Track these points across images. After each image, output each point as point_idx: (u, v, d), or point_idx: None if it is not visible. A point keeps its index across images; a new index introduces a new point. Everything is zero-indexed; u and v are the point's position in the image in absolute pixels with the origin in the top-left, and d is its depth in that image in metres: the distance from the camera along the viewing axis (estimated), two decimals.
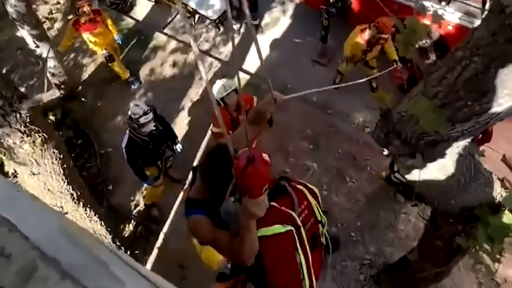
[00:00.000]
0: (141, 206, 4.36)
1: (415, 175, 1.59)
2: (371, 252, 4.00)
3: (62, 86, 5.20)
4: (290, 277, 1.45)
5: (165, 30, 6.17)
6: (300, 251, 1.45)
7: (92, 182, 4.49)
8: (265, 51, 5.85)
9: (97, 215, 3.42)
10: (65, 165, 3.03)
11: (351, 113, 5.20)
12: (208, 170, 1.44)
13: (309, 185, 1.66)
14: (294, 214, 1.47)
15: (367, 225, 4.17)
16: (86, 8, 4.61)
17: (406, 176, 1.77)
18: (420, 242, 2.86)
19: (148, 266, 3.96)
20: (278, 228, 1.40)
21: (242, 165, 1.11)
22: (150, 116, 3.40)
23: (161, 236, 4.11)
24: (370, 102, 5.12)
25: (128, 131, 3.55)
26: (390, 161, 4.03)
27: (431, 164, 1.58)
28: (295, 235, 1.44)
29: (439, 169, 1.62)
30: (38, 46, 4.48)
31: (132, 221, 4.22)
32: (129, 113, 3.41)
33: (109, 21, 5.00)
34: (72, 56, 5.81)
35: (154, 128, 3.51)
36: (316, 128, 5.05)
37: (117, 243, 3.64)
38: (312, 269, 1.49)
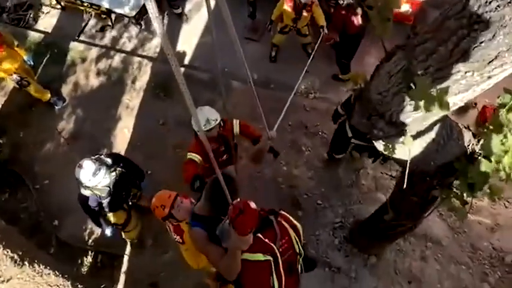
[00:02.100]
0: (97, 233, 3.60)
1: (399, 151, 1.40)
2: (340, 214, 3.68)
3: None
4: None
5: (80, 38, 5.10)
6: (275, 276, 1.64)
7: (33, 222, 3.61)
8: (195, 39, 5.07)
9: (47, 267, 2.70)
10: None
11: (293, 82, 4.71)
12: (212, 195, 1.66)
13: (293, 221, 1.82)
14: (274, 247, 1.64)
15: (330, 189, 3.82)
16: None
17: (391, 156, 1.50)
18: (392, 200, 2.56)
19: None
20: (259, 256, 1.60)
21: (234, 215, 1.42)
22: (102, 172, 2.66)
23: (125, 259, 3.46)
24: (308, 68, 4.71)
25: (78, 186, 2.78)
26: (332, 137, 3.65)
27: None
28: (273, 264, 1.63)
29: (422, 139, 1.37)
30: None
31: (90, 252, 3.47)
32: (76, 176, 2.67)
33: (13, 42, 3.89)
34: None
35: (113, 176, 2.78)
36: (263, 105, 4.49)
37: (79, 285, 2.92)
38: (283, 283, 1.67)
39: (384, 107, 1.32)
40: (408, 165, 1.67)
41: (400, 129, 1.35)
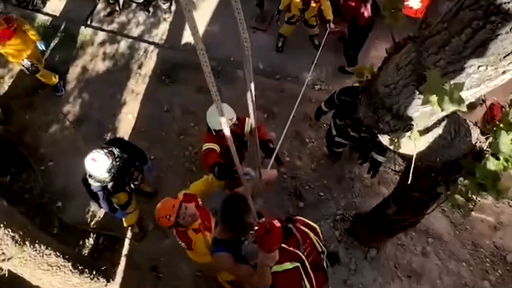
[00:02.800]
0: (99, 216, 3.63)
1: (408, 148, 1.35)
2: (341, 206, 3.65)
3: None
4: None
5: (88, 23, 5.05)
6: (305, 279, 1.71)
7: (37, 202, 3.65)
8: (202, 27, 5.00)
9: (48, 248, 2.70)
10: None
11: (299, 73, 4.66)
12: (225, 217, 1.68)
13: (310, 223, 1.92)
14: (299, 252, 1.72)
15: (333, 181, 3.79)
16: None
17: (397, 151, 1.44)
18: (395, 194, 2.52)
19: (119, 276, 3.35)
20: (287, 266, 1.67)
21: (261, 234, 1.44)
22: (114, 166, 2.63)
23: (126, 242, 3.48)
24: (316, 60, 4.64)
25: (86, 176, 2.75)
26: (326, 133, 3.56)
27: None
28: (301, 268, 1.70)
29: (428, 134, 1.32)
30: None
31: (92, 234, 3.49)
32: (86, 169, 2.60)
33: (27, 27, 3.87)
34: None
35: (118, 162, 2.73)
36: (268, 96, 4.47)
37: (79, 267, 2.93)
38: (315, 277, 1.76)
39: (392, 100, 1.27)
40: (414, 160, 1.63)
41: (407, 123, 1.29)
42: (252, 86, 0.90)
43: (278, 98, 4.44)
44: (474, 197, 1.59)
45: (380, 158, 2.97)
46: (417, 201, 2.24)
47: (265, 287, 1.61)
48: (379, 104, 1.32)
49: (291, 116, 2.29)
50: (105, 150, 2.65)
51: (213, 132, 2.69)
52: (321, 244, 1.87)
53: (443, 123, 1.36)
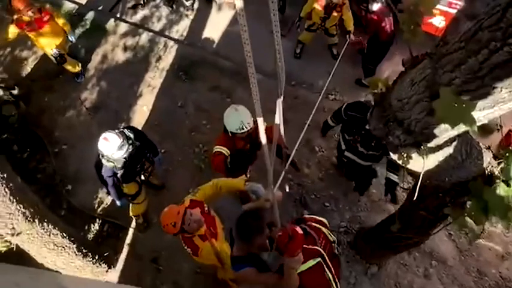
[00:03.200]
0: (106, 203, 3.75)
1: (417, 165, 1.36)
2: (346, 219, 3.68)
3: (1, 85, 4.30)
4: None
5: (112, 13, 5.24)
6: (327, 271, 1.85)
7: (48, 183, 3.79)
8: (222, 26, 5.13)
9: (56, 228, 2.82)
10: (11, 184, 2.42)
11: (314, 81, 4.72)
12: (241, 233, 1.76)
13: (318, 218, 2.10)
14: (318, 248, 1.88)
15: (339, 193, 3.82)
16: (30, 14, 3.72)
17: (405, 166, 1.45)
18: (401, 211, 2.53)
19: (120, 264, 3.45)
20: (310, 263, 1.81)
21: (285, 241, 1.55)
22: (125, 146, 2.72)
23: (130, 232, 3.59)
24: (332, 69, 4.69)
25: (100, 157, 2.85)
26: (340, 154, 3.49)
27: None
28: (323, 262, 1.85)
29: (439, 153, 1.34)
30: None
31: (98, 220, 3.61)
32: (99, 148, 2.69)
33: (61, 20, 4.05)
34: (8, 50, 4.80)
35: (131, 149, 2.82)
36: (282, 102, 4.55)
37: (83, 250, 3.05)
38: (335, 276, 1.91)
39: (404, 114, 1.29)
40: (422, 178, 1.64)
41: (417, 139, 1.31)
42: (280, 101, 0.96)
43: (292, 104, 4.50)
44: (484, 221, 1.60)
45: (395, 178, 2.95)
46: (423, 220, 2.25)
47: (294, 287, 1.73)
48: (391, 117, 1.34)
49: (306, 125, 2.35)
50: (117, 131, 2.79)
51: (229, 134, 2.75)
52: (331, 234, 2.04)
53: (454, 143, 1.37)
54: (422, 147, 1.25)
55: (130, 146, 2.84)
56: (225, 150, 2.75)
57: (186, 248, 2.39)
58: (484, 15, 0.88)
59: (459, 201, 1.80)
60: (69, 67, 4.35)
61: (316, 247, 1.85)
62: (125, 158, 2.82)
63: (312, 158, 4.11)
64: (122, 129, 2.88)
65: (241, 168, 2.64)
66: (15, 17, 3.75)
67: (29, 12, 3.72)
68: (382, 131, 1.37)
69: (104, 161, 2.84)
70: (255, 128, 2.83)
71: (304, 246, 1.68)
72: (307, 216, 2.05)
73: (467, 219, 1.64)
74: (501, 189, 1.38)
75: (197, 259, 2.45)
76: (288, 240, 1.54)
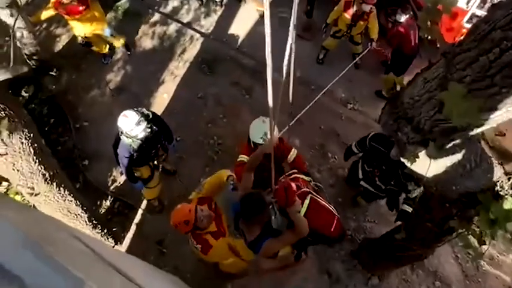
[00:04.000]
0: (119, 182, 3.95)
1: (421, 165, 1.40)
2: (351, 227, 3.76)
3: (34, 57, 4.59)
4: (327, 215, 2.35)
5: (144, 2, 5.53)
6: (320, 200, 2.36)
7: (67, 156, 4.02)
8: (248, 25, 5.34)
9: (71, 195, 3.00)
10: (36, 145, 2.55)
11: (334, 88, 4.84)
12: (249, 218, 2.06)
13: (292, 171, 2.59)
14: (305, 189, 2.31)
15: (348, 201, 3.91)
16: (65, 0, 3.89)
17: (411, 165, 1.50)
18: (407, 222, 2.62)
19: (127, 242, 3.63)
20: (306, 202, 2.24)
21: (283, 194, 1.91)
22: (143, 123, 2.88)
23: (139, 212, 3.77)
24: (353, 78, 4.79)
25: (119, 134, 3.00)
26: (352, 165, 3.61)
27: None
28: (314, 196, 2.31)
29: (446, 158, 1.38)
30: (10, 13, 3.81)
31: (110, 197, 3.81)
32: (119, 125, 2.84)
33: (98, 13, 4.20)
34: (44, 26, 5.13)
35: (149, 131, 2.96)
36: (299, 105, 4.68)
37: (94, 221, 3.24)
38: (327, 203, 2.41)
39: (414, 112, 1.34)
40: (429, 184, 1.69)
41: (425, 137, 1.34)
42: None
43: (309, 109, 4.63)
44: (487, 241, 1.64)
45: (409, 209, 2.95)
46: (429, 232, 2.26)
47: (306, 231, 2.05)
48: (401, 114, 1.39)
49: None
50: (136, 109, 2.94)
51: (252, 145, 2.81)
52: (306, 176, 2.53)
53: (462, 150, 1.43)
54: (428, 145, 1.32)
55: (148, 128, 2.97)
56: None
57: (195, 244, 2.43)
58: (498, 16, 0.96)
59: (466, 215, 1.83)
60: (96, 48, 4.60)
61: (302, 189, 2.28)
62: (141, 139, 2.94)
63: (324, 164, 4.22)
64: (141, 109, 3.03)
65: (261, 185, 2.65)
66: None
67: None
68: (392, 127, 1.43)
69: (123, 138, 2.97)
70: (281, 149, 2.87)
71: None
72: (286, 174, 2.48)
73: (471, 237, 1.70)
74: (508, 203, 1.46)
75: (204, 257, 2.49)
76: (285, 193, 1.89)
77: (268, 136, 2.67)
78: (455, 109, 0.99)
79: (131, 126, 2.85)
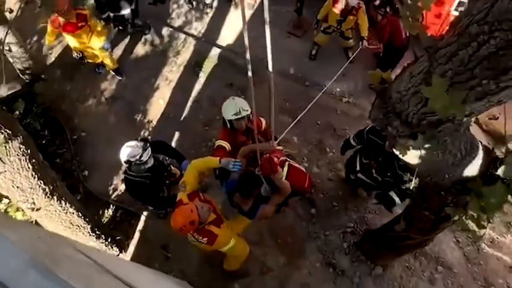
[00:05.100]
0: (120, 190, 3.97)
1: (412, 156, 1.43)
2: (353, 219, 3.79)
3: (27, 71, 4.58)
4: (302, 174, 2.89)
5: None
6: (296, 165, 2.92)
7: (66, 168, 4.04)
8: (240, 25, 5.32)
9: (72, 207, 3.01)
10: (34, 160, 2.58)
11: (328, 83, 4.86)
12: (247, 193, 2.53)
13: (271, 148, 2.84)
14: (282, 158, 2.79)
15: (348, 194, 3.94)
16: (61, 20, 3.86)
17: (402, 157, 1.53)
18: (406, 211, 2.64)
19: (131, 249, 3.65)
20: (285, 168, 2.77)
21: (268, 166, 2.52)
22: (148, 148, 2.82)
23: (142, 219, 3.78)
24: (347, 72, 4.81)
25: (124, 175, 2.95)
26: (346, 160, 3.64)
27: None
28: (290, 162, 2.85)
29: (436, 148, 1.41)
30: None
31: (111, 206, 3.82)
32: (125, 158, 2.75)
33: (98, 28, 4.14)
34: (35, 38, 5.12)
35: (153, 159, 2.90)
36: (295, 101, 4.70)
37: (97, 231, 3.26)
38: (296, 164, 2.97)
39: (402, 106, 1.37)
40: (422, 174, 1.71)
41: (413, 130, 1.38)
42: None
43: (305, 104, 4.64)
44: (485, 224, 1.67)
45: (396, 199, 3.05)
46: (426, 220, 2.31)
47: (289, 190, 2.62)
48: (390, 109, 1.42)
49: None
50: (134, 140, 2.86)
51: (228, 125, 2.85)
52: (280, 149, 2.98)
53: (452, 139, 1.46)
54: (418, 138, 1.35)
55: (153, 157, 2.91)
56: (227, 145, 2.86)
57: (200, 239, 2.44)
58: (475, 11, 0.99)
59: (461, 201, 1.85)
60: (90, 59, 4.55)
61: (280, 159, 2.75)
62: (150, 167, 2.88)
63: (322, 158, 4.24)
64: (139, 138, 2.97)
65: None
66: (52, 18, 3.91)
67: (63, 18, 3.84)
68: (382, 122, 1.46)
69: (134, 170, 2.85)
70: (257, 124, 2.91)
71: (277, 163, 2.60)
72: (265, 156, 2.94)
73: (469, 222, 1.73)
74: (499, 188, 1.48)
75: (211, 247, 2.51)
76: (269, 166, 2.47)
77: (242, 109, 2.81)
78: (438, 103, 1.01)
79: (139, 152, 2.77)
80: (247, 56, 1.51)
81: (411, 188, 2.92)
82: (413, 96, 1.26)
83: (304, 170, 2.96)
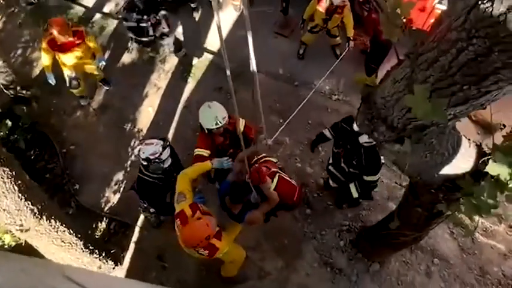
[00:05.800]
0: (112, 202, 3.90)
1: (403, 160, 1.42)
2: (348, 217, 3.79)
3: (11, 86, 4.49)
4: (292, 187, 2.92)
5: (118, 16, 5.42)
6: (286, 178, 2.95)
7: (56, 183, 3.95)
8: (226, 27, 5.28)
9: (63, 225, 2.93)
10: (19, 182, 2.52)
11: (317, 82, 4.84)
12: (237, 200, 2.66)
13: (262, 155, 3.13)
14: (273, 170, 2.90)
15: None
16: (62, 39, 3.69)
17: (392, 160, 1.56)
18: (399, 209, 2.63)
19: (127, 261, 3.59)
20: (275, 179, 2.81)
21: (256, 176, 2.58)
22: (168, 148, 2.80)
23: (136, 230, 3.73)
24: (335, 69, 4.79)
25: (138, 175, 2.91)
26: (327, 166, 3.59)
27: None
28: (280, 175, 2.90)
29: (423, 149, 1.40)
30: None
31: (104, 218, 3.76)
32: (143, 156, 2.73)
33: (92, 44, 3.97)
34: (19, 52, 5.01)
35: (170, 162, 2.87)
36: (284, 101, 4.67)
37: (90, 246, 3.18)
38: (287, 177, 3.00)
39: (386, 112, 1.37)
40: (411, 174, 1.71)
41: (400, 134, 1.38)
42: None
43: (295, 104, 4.61)
44: (477, 217, 1.67)
45: (354, 193, 3.09)
46: (419, 217, 2.32)
47: (276, 200, 2.68)
48: (376, 114, 1.42)
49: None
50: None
51: (206, 131, 2.87)
52: (273, 159, 3.14)
53: (438, 139, 1.44)
54: (404, 142, 1.34)
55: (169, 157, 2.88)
56: (206, 152, 2.94)
57: (202, 251, 2.40)
58: (454, 17, 0.97)
59: (452, 198, 1.84)
60: (74, 91, 4.29)
61: (271, 170, 2.84)
62: (167, 167, 2.86)
63: (315, 158, 4.22)
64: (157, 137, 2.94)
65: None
66: (46, 39, 3.74)
67: (63, 37, 3.68)
68: (368, 127, 1.45)
69: (152, 168, 2.80)
70: (233, 123, 2.97)
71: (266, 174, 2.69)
72: (256, 160, 3.01)
73: (462, 216, 1.72)
74: (489, 185, 1.47)
75: (209, 258, 2.51)
76: (258, 175, 2.54)
77: (221, 119, 2.84)
78: (421, 110, 0.98)
79: (159, 149, 2.75)
80: (225, 56, 1.52)
81: (374, 180, 2.97)
82: (398, 102, 1.25)
83: (295, 183, 2.97)
